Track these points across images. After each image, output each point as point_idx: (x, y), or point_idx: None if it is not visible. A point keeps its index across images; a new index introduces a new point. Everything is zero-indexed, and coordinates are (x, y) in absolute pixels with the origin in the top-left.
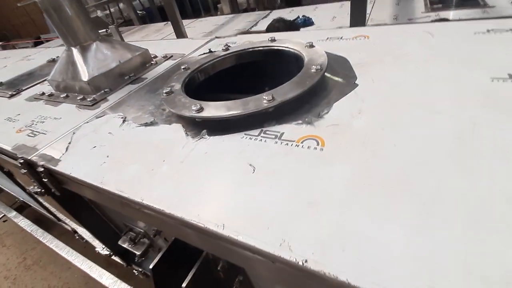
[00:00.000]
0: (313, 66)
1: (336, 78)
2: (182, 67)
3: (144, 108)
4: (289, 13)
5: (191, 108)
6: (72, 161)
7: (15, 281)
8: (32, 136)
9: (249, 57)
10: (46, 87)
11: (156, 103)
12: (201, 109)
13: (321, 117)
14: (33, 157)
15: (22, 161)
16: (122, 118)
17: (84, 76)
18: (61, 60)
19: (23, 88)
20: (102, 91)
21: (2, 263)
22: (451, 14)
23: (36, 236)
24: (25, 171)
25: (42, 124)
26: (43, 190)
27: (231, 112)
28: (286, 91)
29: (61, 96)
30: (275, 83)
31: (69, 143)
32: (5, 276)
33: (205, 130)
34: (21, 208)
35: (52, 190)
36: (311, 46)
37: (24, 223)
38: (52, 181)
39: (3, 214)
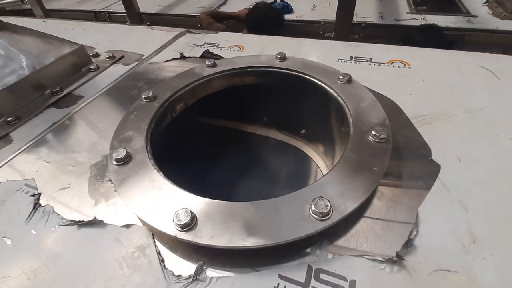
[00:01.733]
0: (372, 133)
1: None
2: (145, 96)
3: (76, 173)
4: None
5: (172, 220)
6: None
7: None
8: None
9: (248, 79)
10: None
11: (97, 159)
12: (191, 226)
13: (410, 246)
14: None
15: None
16: (33, 196)
17: None
18: None
19: None
20: (2, 119)
21: None
22: (437, 19)
23: None
24: None
25: None
26: None
27: (251, 242)
28: (345, 190)
29: None
30: (279, 113)
31: None
32: None
33: (200, 263)
34: None
35: None
36: (349, 81)
37: None
38: None
39: None
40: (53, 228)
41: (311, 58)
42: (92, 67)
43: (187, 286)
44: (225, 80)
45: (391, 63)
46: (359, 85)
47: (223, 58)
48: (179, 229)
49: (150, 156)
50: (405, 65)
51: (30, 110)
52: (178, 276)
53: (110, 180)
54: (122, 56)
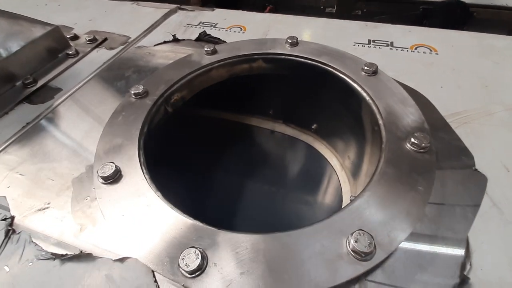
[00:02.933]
0: (412, 140)
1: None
2: (134, 92)
3: (57, 187)
4: None
5: (178, 262)
6: None
7: None
8: None
9: (254, 68)
10: None
11: (81, 170)
12: (202, 269)
13: (466, 283)
14: None
15: None
16: (5, 220)
17: None
18: None
19: None
20: None
21: None
22: None
23: None
24: None
25: None
26: None
27: None
28: (387, 218)
29: None
30: (288, 105)
31: None
32: None
33: None
34: None
35: None
36: (375, 72)
37: None
38: None
39: None
40: (31, 264)
41: (324, 42)
42: (70, 52)
43: None
44: (228, 70)
45: (415, 48)
46: (386, 77)
47: (223, 42)
48: (188, 275)
49: (144, 171)
50: (431, 50)
51: None
52: None
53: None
54: (105, 39)
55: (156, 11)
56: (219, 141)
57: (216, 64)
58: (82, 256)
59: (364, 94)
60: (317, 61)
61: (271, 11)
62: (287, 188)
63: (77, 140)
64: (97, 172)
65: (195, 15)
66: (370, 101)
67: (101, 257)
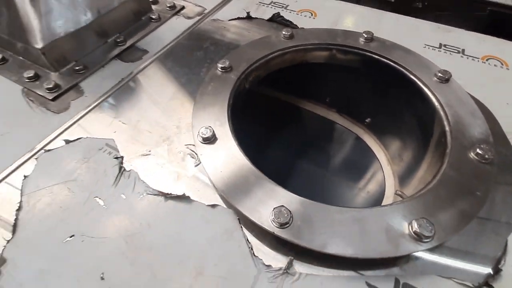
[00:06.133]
0: (477, 151)
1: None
2: (221, 66)
3: (154, 138)
4: None
5: (269, 216)
6: (28, 273)
7: None
8: None
9: (327, 57)
10: None
11: (173, 128)
12: (289, 224)
13: (498, 274)
14: None
15: None
16: (117, 158)
17: (36, 38)
18: None
19: None
20: (70, 66)
21: None
22: None
23: None
24: None
25: None
26: None
27: (350, 252)
28: (447, 214)
29: None
30: (346, 96)
31: (19, 209)
32: None
33: (291, 258)
34: None
35: None
36: (447, 80)
37: None
38: None
39: None
40: (141, 196)
41: (394, 39)
42: (153, 16)
43: (276, 277)
44: (301, 55)
45: (487, 60)
46: (458, 86)
47: (295, 25)
48: (278, 226)
49: (234, 138)
50: (502, 64)
51: (95, 59)
52: (268, 266)
53: (189, 154)
54: (183, 7)
55: None
56: (275, 119)
57: (293, 49)
58: (182, 198)
59: (434, 100)
60: (391, 60)
61: None
62: (331, 171)
63: (166, 99)
64: (198, 133)
65: None
66: (440, 107)
67: (197, 201)
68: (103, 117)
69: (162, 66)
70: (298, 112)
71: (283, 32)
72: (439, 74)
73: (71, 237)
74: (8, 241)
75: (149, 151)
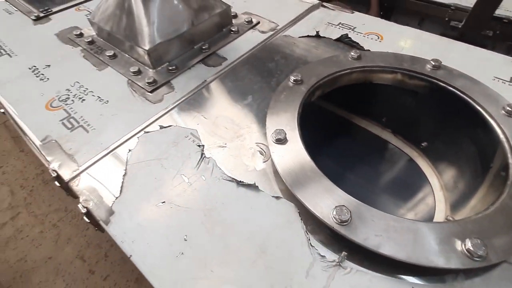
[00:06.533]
0: None
1: None
2: (294, 78)
3: (229, 134)
4: None
5: (330, 212)
6: (130, 225)
7: (32, 193)
8: (68, 128)
9: (392, 80)
10: (83, 20)
11: (245, 127)
12: (348, 222)
13: None
14: (72, 181)
15: (55, 174)
16: (199, 146)
17: (145, 41)
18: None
19: (53, 10)
20: (165, 66)
21: (19, 169)
22: None
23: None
24: (58, 184)
25: (81, 106)
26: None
27: (403, 256)
28: (501, 238)
29: (107, 53)
30: (404, 118)
31: (124, 174)
32: (21, 185)
33: (344, 253)
34: None
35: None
36: None
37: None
38: (94, 222)
39: None
40: (218, 180)
41: (462, 68)
42: (233, 29)
43: (329, 267)
44: (367, 76)
45: None
46: None
47: (362, 47)
48: (338, 222)
49: (302, 142)
50: None
51: (184, 62)
52: (323, 256)
53: (259, 151)
54: (258, 22)
55: (301, 4)
56: (329, 131)
57: (360, 69)
58: (252, 186)
59: (500, 132)
60: (457, 89)
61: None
62: (380, 188)
63: (241, 102)
64: (272, 133)
65: (335, 15)
66: (505, 140)
67: (263, 191)
68: (188, 110)
69: (238, 72)
70: (352, 127)
71: (352, 53)
72: (508, 108)
73: (162, 203)
74: (116, 198)
75: (225, 144)
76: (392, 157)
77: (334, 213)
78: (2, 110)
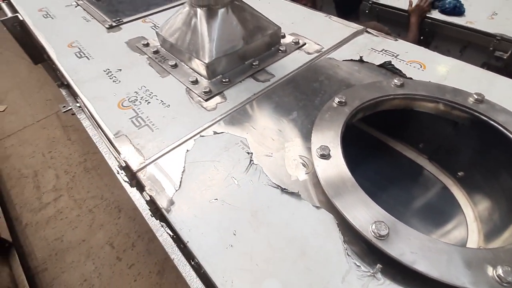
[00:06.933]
0: None
1: None
2: (339, 100)
3: (275, 145)
4: None
5: (369, 226)
6: (187, 215)
7: (74, 179)
8: (136, 126)
9: (433, 109)
10: (148, 31)
11: (290, 140)
12: (385, 238)
13: None
14: (139, 172)
15: (124, 164)
16: (248, 153)
17: (205, 55)
18: (179, 16)
19: (124, 21)
20: (219, 77)
21: (65, 156)
22: None
23: (94, 141)
24: (123, 174)
25: (147, 107)
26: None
27: (436, 274)
28: None
29: (169, 63)
30: (442, 146)
31: (183, 171)
32: (66, 170)
33: (379, 266)
34: None
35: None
36: None
37: (86, 123)
38: (154, 210)
39: (70, 107)
40: (264, 184)
41: (505, 103)
42: (281, 48)
43: (364, 277)
44: (408, 103)
45: None
46: None
47: (404, 75)
48: (376, 236)
49: (345, 161)
50: None
51: (235, 75)
52: (359, 266)
53: (302, 163)
54: (305, 43)
55: (345, 28)
56: (365, 152)
57: (402, 96)
58: (295, 194)
59: None
60: (499, 123)
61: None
62: (411, 212)
63: (286, 116)
64: (317, 149)
65: (379, 41)
66: None
67: (305, 200)
68: (239, 120)
69: (285, 89)
70: (387, 149)
71: (395, 80)
72: None
73: (215, 199)
74: (176, 191)
75: (271, 153)
76: (426, 183)
77: (373, 227)
78: (78, 104)
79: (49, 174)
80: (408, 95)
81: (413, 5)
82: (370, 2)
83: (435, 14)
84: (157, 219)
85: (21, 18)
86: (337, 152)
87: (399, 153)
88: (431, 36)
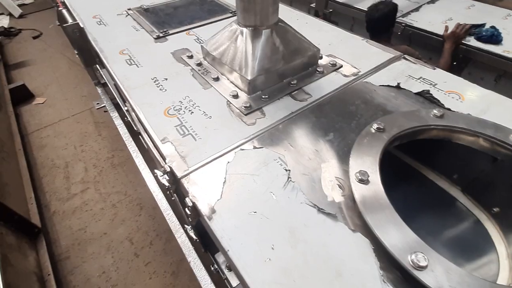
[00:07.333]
0: None
1: None
2: (377, 126)
3: (312, 165)
4: (467, 9)
5: (408, 256)
6: (228, 225)
7: (101, 173)
8: (181, 134)
9: (472, 143)
10: (192, 43)
11: (326, 161)
12: (424, 269)
13: None
14: (183, 179)
15: (169, 170)
16: (286, 170)
17: (248, 72)
18: (225, 33)
19: (170, 32)
20: (259, 93)
21: (95, 150)
22: None
23: (124, 139)
24: (166, 178)
25: (191, 117)
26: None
27: None
28: None
29: (212, 75)
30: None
31: (224, 182)
32: (94, 164)
33: None
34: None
35: (189, 220)
36: None
37: (118, 122)
38: (193, 215)
39: (103, 105)
40: (301, 203)
41: None
42: (318, 69)
43: None
44: (447, 134)
45: None
46: None
47: (442, 105)
48: (415, 267)
49: (383, 186)
50: None
51: (274, 93)
52: None
53: (338, 185)
54: (341, 66)
55: (382, 53)
56: (397, 178)
57: (440, 127)
58: (331, 215)
59: None
60: None
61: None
62: (440, 243)
63: (323, 137)
64: (356, 173)
65: (416, 68)
66: None
67: (341, 222)
68: (278, 136)
69: (322, 110)
70: (419, 177)
71: (435, 111)
72: None
73: (254, 212)
74: (217, 200)
75: (308, 172)
76: (458, 215)
77: (413, 257)
78: (126, 108)
79: (79, 167)
80: (448, 126)
81: (449, 31)
82: (403, 24)
83: (471, 41)
84: (189, 224)
85: (81, 26)
86: (375, 178)
87: (431, 182)
88: (465, 62)
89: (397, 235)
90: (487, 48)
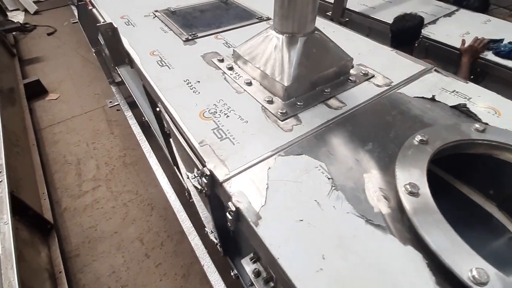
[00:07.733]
0: None
1: None
2: (419, 138)
3: (355, 174)
4: (484, 24)
5: (468, 271)
6: (275, 232)
7: (113, 171)
8: (218, 137)
9: None
10: (220, 47)
11: (368, 172)
12: (484, 285)
13: None
14: (225, 183)
15: (209, 173)
16: (328, 178)
17: (284, 78)
18: (260, 38)
19: (198, 35)
20: (293, 100)
21: (107, 148)
22: None
23: (138, 139)
24: (204, 182)
25: (227, 120)
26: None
27: None
28: None
29: (244, 80)
30: None
31: (267, 188)
32: (106, 162)
33: None
34: (134, 104)
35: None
36: None
37: (132, 121)
38: (235, 219)
39: (117, 103)
40: (347, 213)
41: None
42: (350, 78)
43: None
44: (488, 149)
45: None
46: None
47: (479, 119)
48: (476, 283)
49: (434, 198)
50: None
51: (308, 100)
52: None
53: (383, 196)
54: (373, 76)
55: (414, 65)
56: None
57: (482, 142)
58: (380, 227)
59: None
60: None
61: (474, 78)
62: None
63: (362, 147)
64: (406, 185)
65: (449, 82)
66: None
67: (391, 235)
68: (316, 144)
69: (358, 119)
70: (452, 191)
71: (476, 125)
72: None
73: (300, 220)
74: (262, 206)
75: (352, 182)
76: (494, 231)
77: (474, 273)
78: (158, 108)
79: (91, 164)
80: (491, 141)
81: (467, 45)
82: (420, 36)
83: (489, 55)
84: (231, 229)
85: (115, 26)
86: (425, 191)
87: (466, 197)
88: (482, 76)
89: (453, 250)
90: (505, 64)
